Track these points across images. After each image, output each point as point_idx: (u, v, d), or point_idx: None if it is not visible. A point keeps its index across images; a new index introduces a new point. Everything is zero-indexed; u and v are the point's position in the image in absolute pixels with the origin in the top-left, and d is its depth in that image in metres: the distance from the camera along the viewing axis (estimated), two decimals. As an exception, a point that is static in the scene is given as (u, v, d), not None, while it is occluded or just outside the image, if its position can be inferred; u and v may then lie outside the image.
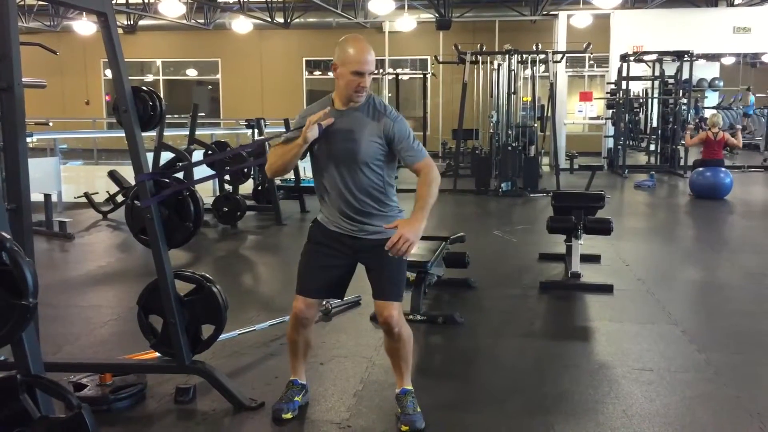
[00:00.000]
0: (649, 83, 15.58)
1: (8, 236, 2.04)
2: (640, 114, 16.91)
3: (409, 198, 2.77)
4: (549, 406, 3.13)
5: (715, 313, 4.67)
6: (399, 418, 2.88)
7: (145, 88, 3.05)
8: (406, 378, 2.94)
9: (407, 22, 16.16)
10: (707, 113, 15.50)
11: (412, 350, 2.95)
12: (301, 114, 2.88)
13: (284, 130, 9.54)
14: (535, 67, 11.23)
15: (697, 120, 14.38)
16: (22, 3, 16.19)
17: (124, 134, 3.00)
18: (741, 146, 11.25)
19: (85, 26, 17.23)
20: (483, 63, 11.98)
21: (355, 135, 2.74)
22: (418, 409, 2.88)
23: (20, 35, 2.70)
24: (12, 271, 1.98)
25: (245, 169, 7.80)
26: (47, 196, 7.33)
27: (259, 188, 8.53)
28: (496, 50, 12.65)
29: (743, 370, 3.59)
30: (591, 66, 18.12)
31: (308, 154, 2.84)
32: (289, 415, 2.93)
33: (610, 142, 14.05)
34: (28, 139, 6.46)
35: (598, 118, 15.51)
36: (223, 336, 3.34)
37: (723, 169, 9.96)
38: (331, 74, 20.80)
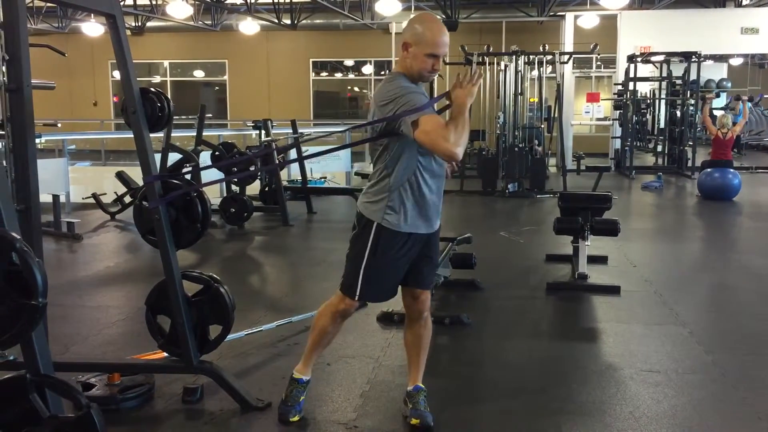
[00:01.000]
0: (656, 84, 15.54)
1: (18, 237, 2.05)
2: (648, 115, 16.87)
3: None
4: (556, 407, 3.12)
5: (723, 314, 4.65)
6: (409, 414, 2.88)
7: (153, 89, 3.06)
8: (420, 374, 2.95)
9: (414, 23, 16.17)
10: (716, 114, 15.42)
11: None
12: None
13: (291, 131, 9.59)
14: (542, 68, 11.23)
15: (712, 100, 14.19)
16: (31, 4, 16.28)
17: (132, 135, 3.01)
18: (746, 118, 11.11)
19: (93, 28, 17.31)
20: (490, 64, 11.98)
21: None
22: (428, 409, 2.89)
23: (29, 37, 2.72)
24: (22, 272, 2.00)
25: (252, 169, 7.81)
26: (56, 197, 7.36)
27: (266, 189, 8.55)
28: (503, 51, 12.65)
29: (751, 371, 3.57)
30: (598, 67, 18.08)
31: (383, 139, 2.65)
32: (296, 418, 2.92)
33: (618, 143, 14.03)
34: (37, 141, 6.49)
35: (605, 119, 15.48)
36: (230, 336, 3.35)
37: (731, 170, 9.92)
38: (338, 75, 20.73)
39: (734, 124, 11.05)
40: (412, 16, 14.18)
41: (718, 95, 14.41)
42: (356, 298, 2.79)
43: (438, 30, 2.60)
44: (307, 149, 8.97)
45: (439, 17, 2.64)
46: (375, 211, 2.70)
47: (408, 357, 3.00)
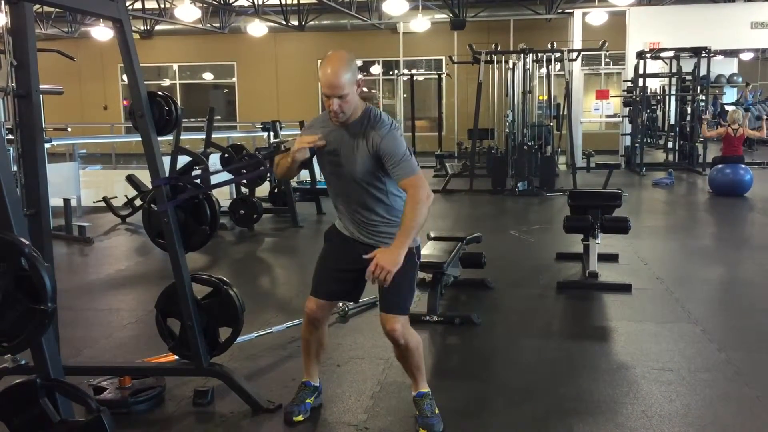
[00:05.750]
0: (666, 80, 15.44)
1: (27, 242, 2.06)
2: (658, 111, 16.77)
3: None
4: (567, 407, 3.11)
5: (736, 311, 4.62)
6: (417, 421, 2.87)
7: (160, 92, 3.06)
8: (420, 382, 2.92)
9: (421, 23, 16.15)
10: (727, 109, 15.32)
11: (423, 355, 2.93)
12: (306, 126, 2.91)
13: (299, 133, 9.62)
14: (550, 66, 11.18)
15: (713, 112, 14.14)
16: (40, 10, 16.36)
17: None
18: (765, 135, 11.03)
19: (102, 32, 17.37)
20: (498, 62, 11.95)
21: (351, 153, 2.66)
22: (437, 411, 2.87)
23: (38, 42, 2.74)
24: (31, 276, 2.00)
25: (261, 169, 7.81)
26: (67, 201, 7.40)
27: (276, 190, 8.55)
28: (511, 49, 12.61)
29: (764, 369, 3.54)
30: (607, 64, 17.99)
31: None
32: (300, 418, 2.93)
33: (628, 140, 13.96)
34: (47, 145, 6.53)
35: (614, 115, 15.41)
36: (240, 338, 3.35)
37: (743, 165, 9.84)
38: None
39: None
40: (419, 15, 14.05)
41: (714, 115, 14.24)
42: (311, 292, 2.90)
43: (325, 71, 2.55)
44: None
45: (339, 56, 2.59)
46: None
47: (403, 369, 2.98)
